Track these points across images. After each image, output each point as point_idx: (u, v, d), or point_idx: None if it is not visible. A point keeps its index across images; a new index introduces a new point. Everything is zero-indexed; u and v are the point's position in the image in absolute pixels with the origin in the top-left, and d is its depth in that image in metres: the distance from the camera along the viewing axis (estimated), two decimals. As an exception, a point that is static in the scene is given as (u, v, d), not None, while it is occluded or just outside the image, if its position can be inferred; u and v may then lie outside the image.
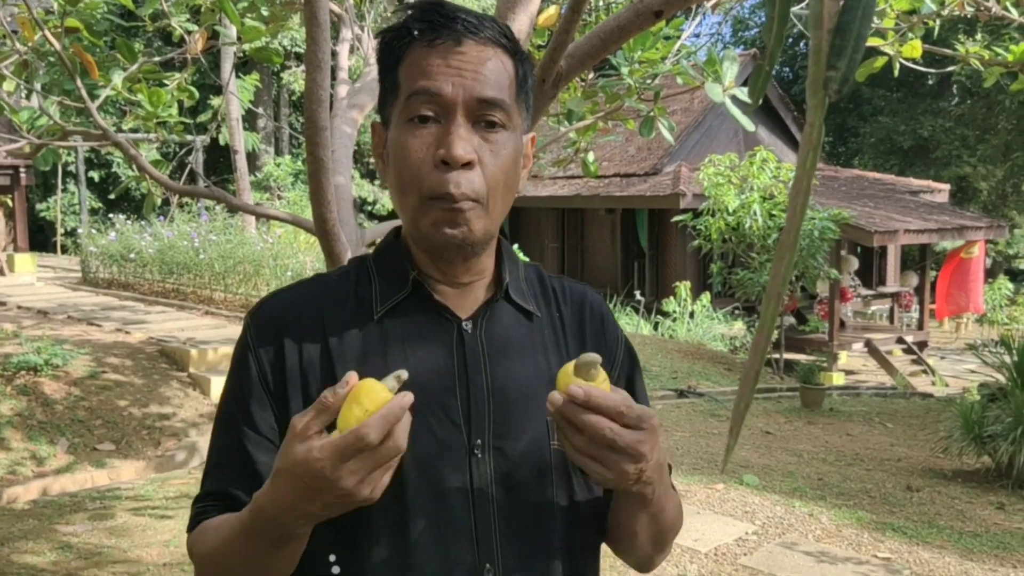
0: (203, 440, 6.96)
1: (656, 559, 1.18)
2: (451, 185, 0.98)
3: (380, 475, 0.86)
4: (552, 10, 3.18)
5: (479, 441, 1.03)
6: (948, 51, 3.82)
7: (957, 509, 5.31)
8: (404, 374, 0.88)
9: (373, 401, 0.84)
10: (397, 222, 1.17)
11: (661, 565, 4.21)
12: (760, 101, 0.53)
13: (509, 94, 1.03)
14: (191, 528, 1.08)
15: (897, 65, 3.64)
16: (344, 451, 0.83)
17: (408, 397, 0.85)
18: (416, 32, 1.01)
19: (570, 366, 0.92)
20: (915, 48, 3.55)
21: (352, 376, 0.86)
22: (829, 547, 4.50)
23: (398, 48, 1.03)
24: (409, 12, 1.04)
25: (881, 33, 3.58)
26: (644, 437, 0.90)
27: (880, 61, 3.59)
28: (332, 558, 1.01)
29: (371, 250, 1.19)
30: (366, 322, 1.06)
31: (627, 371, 1.18)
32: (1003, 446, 5.76)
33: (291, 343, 1.05)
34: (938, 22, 3.70)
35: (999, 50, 3.67)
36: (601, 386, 0.91)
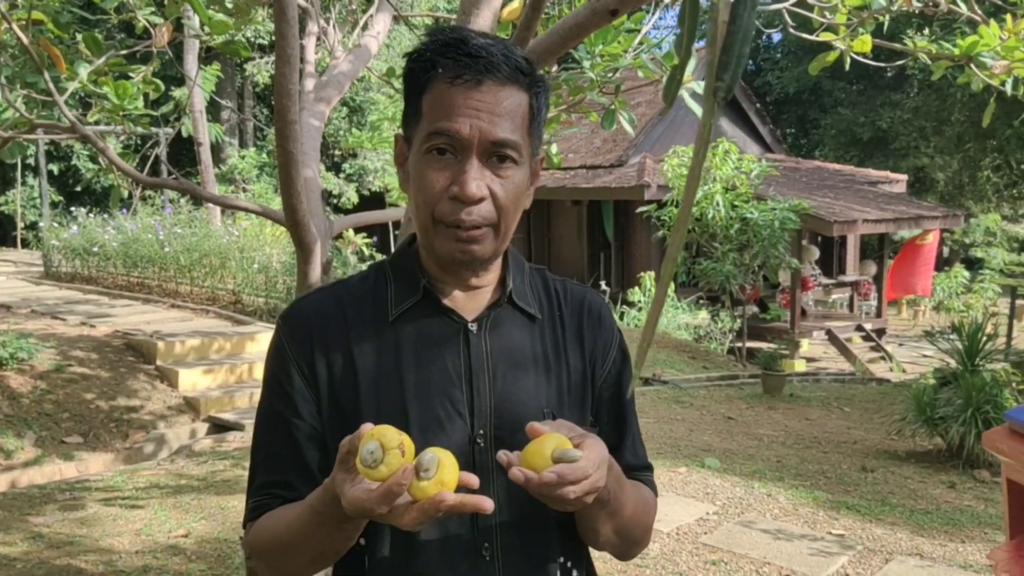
0: (171, 432, 6.97)
1: (632, 550, 1.27)
2: (463, 213, 1.08)
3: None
4: (516, 3, 3.25)
5: (481, 431, 1.13)
6: (898, 45, 3.95)
7: (909, 488, 5.49)
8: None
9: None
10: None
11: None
12: (672, 103, 0.63)
13: (521, 131, 1.10)
14: (250, 520, 1.18)
15: (848, 59, 3.77)
16: (380, 500, 0.93)
17: (409, 470, 0.92)
18: (440, 68, 1.07)
19: (547, 448, 0.98)
20: (865, 43, 3.67)
21: (366, 427, 0.94)
22: (786, 525, 4.65)
23: (423, 79, 1.10)
24: (434, 41, 1.09)
25: (833, 28, 3.70)
26: (603, 472, 1.00)
27: (832, 55, 3.72)
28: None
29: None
30: (382, 323, 1.17)
31: (617, 367, 1.28)
32: (954, 428, 5.95)
33: (319, 340, 1.16)
34: (888, 17, 3.83)
35: (947, 44, 3.81)
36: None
